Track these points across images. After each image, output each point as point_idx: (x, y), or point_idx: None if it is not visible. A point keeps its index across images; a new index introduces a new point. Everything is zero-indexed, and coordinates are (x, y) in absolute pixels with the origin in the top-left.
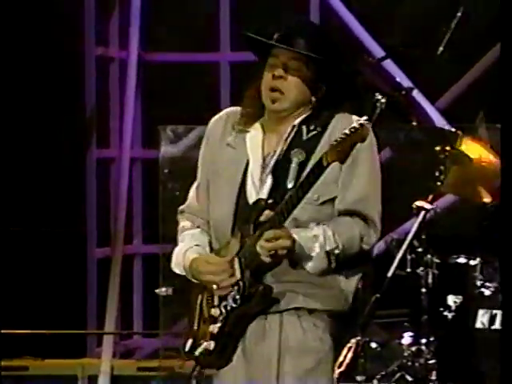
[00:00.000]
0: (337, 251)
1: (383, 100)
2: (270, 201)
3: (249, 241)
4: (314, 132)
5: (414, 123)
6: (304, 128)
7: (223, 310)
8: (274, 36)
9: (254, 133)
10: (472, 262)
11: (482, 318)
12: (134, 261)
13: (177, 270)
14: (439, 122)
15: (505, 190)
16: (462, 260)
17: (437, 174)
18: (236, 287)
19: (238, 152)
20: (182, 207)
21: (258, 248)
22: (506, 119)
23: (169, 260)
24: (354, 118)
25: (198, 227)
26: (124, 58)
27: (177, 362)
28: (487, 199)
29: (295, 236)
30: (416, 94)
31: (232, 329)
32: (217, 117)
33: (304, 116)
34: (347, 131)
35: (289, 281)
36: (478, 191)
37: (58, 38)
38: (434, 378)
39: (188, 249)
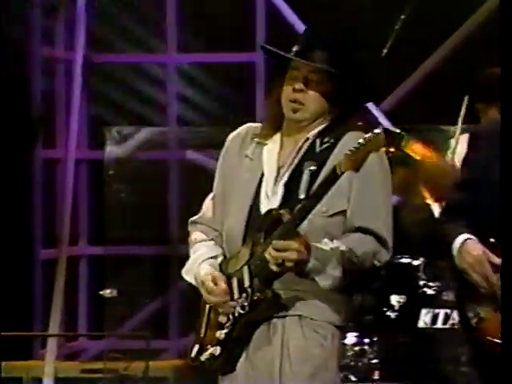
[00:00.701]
0: (351, 268)
1: None
2: (282, 210)
3: (259, 249)
4: (327, 144)
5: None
6: (318, 141)
7: (231, 317)
8: (294, 49)
9: (272, 146)
10: (415, 262)
11: (424, 318)
12: (79, 262)
13: (187, 278)
14: (383, 123)
15: (505, 190)
16: (405, 260)
17: None
18: (244, 294)
19: (255, 163)
20: (194, 218)
21: (266, 255)
22: (506, 118)
23: (114, 261)
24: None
25: (212, 240)
26: (70, 58)
27: (122, 364)
28: (431, 200)
29: (313, 249)
30: None
31: (239, 334)
32: (236, 132)
33: (320, 128)
34: (361, 140)
35: (295, 289)
36: (423, 192)
37: (4, 39)
38: (376, 377)
39: (203, 260)
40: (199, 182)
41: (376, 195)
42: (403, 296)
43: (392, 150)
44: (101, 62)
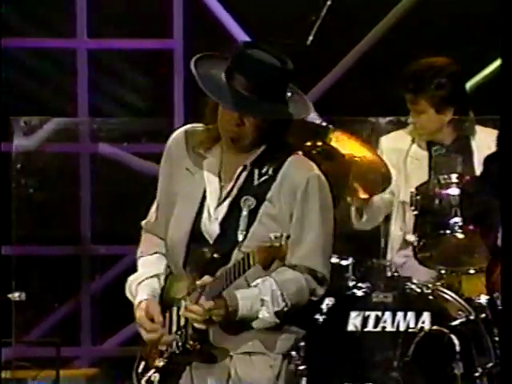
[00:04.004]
0: (286, 309)
1: None
2: (215, 255)
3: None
4: (266, 177)
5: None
6: (256, 171)
7: (168, 350)
8: (234, 79)
9: (212, 160)
10: (343, 262)
11: (354, 321)
12: None
13: (130, 298)
14: (310, 115)
15: (505, 190)
16: (333, 260)
17: None
18: (180, 332)
19: (196, 179)
20: (143, 222)
21: (190, 315)
22: (506, 116)
23: (22, 262)
24: (308, 161)
25: (156, 253)
26: None
27: (31, 373)
28: (362, 195)
29: (240, 301)
30: None
31: (174, 370)
32: (177, 135)
33: (257, 155)
34: (269, 244)
35: (239, 327)
36: (352, 188)
37: None
38: None
39: (142, 281)
40: (112, 178)
41: (313, 232)
42: (331, 298)
43: (319, 143)
44: (6, 46)
